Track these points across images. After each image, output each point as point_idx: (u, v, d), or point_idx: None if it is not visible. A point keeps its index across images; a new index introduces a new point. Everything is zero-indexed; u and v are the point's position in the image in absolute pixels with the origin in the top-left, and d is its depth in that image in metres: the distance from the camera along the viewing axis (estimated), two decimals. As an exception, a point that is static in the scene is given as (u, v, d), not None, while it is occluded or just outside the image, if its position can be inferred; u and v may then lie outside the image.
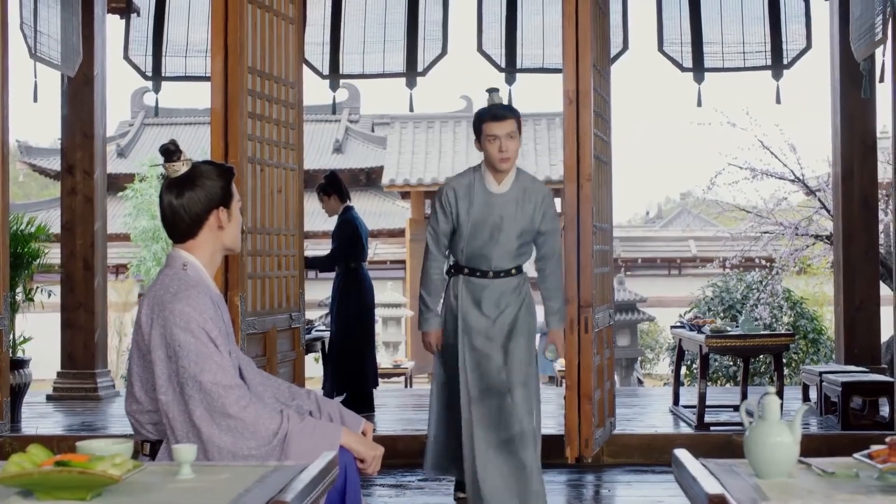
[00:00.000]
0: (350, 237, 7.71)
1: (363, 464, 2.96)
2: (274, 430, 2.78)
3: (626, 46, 8.18)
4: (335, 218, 7.88)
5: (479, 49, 8.25)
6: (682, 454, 2.45)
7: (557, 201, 6.77)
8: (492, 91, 4.86)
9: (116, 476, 2.13)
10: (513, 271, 4.94)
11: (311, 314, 8.14)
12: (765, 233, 11.72)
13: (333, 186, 7.85)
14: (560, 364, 5.19)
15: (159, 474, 2.39)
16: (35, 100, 7.72)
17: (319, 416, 3.12)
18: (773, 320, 11.29)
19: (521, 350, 4.85)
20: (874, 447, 2.29)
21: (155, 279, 2.99)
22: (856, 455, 2.30)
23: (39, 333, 8.60)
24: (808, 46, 8.15)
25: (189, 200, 2.97)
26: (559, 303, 5.06)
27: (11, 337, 7.22)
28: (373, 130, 27.83)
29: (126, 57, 8.61)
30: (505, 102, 5.01)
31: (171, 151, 3.00)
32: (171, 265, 2.97)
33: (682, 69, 8.20)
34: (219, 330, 2.85)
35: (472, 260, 4.91)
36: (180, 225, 3.00)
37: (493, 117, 4.73)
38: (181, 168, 3.00)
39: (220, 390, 2.76)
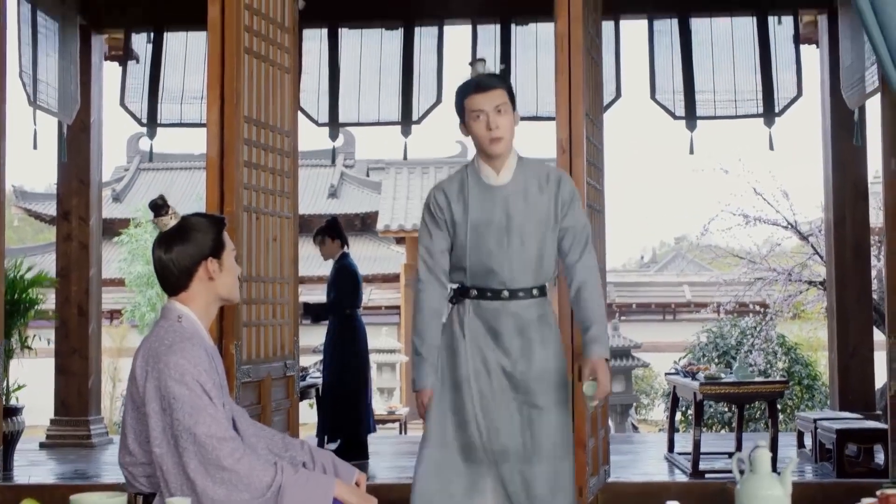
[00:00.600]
0: (351, 284, 7.76)
1: None
2: (268, 482, 2.78)
3: (618, 94, 8.26)
4: (329, 263, 7.93)
5: (474, 97, 8.31)
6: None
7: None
8: (476, 62, 3.96)
9: (110, 531, 2.13)
10: (534, 291, 3.85)
11: (305, 360, 8.16)
12: (758, 279, 11.76)
13: (335, 231, 7.92)
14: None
15: (153, 528, 2.39)
16: (35, 147, 7.79)
17: (313, 467, 3.13)
18: (768, 366, 11.30)
19: (554, 418, 3.84)
20: (865, 500, 2.30)
21: (150, 331, 3.01)
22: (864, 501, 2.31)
23: (33, 379, 8.57)
24: (799, 94, 8.25)
25: (177, 254, 3.01)
26: (601, 327, 3.81)
27: (5, 384, 7.21)
28: (368, 175, 27.95)
29: (122, 104, 8.68)
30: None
31: (159, 206, 3.04)
32: (166, 317, 2.99)
33: (675, 117, 8.29)
34: (213, 382, 2.86)
35: (480, 277, 3.84)
36: (170, 279, 3.04)
37: (476, 87, 3.79)
38: (170, 222, 3.04)
39: (215, 443, 2.77)
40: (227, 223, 3.19)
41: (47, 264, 9.97)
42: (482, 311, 3.84)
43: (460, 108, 3.87)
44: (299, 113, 8.07)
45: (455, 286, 3.94)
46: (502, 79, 3.94)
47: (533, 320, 3.84)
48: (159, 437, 2.82)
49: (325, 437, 7.75)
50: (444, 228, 3.87)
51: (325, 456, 3.19)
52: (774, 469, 4.09)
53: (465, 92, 3.83)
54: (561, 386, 3.90)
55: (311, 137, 11.83)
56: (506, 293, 3.82)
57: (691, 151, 8.40)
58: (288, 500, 2.77)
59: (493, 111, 3.77)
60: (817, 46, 8.57)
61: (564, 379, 3.94)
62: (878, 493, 2.30)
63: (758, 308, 11.88)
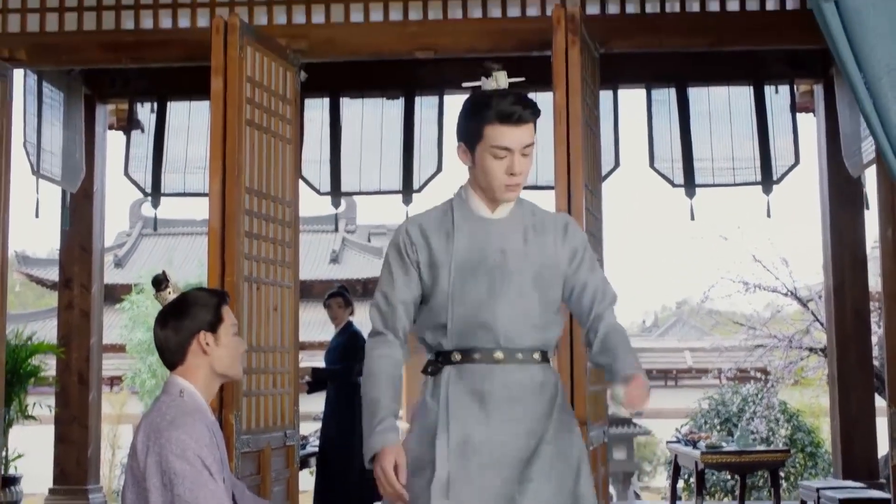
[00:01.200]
0: (363, 352, 7.82)
1: None
2: None
3: (617, 164, 8.32)
4: (330, 328, 8.00)
5: (475, 166, 8.39)
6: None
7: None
8: (493, 69, 2.97)
9: None
10: (536, 355, 3.00)
11: (305, 428, 8.13)
12: (759, 346, 11.75)
13: (348, 298, 8.13)
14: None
15: None
16: (37, 216, 7.85)
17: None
18: (770, 433, 11.24)
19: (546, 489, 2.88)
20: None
21: (151, 406, 3.02)
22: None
23: (34, 446, 8.55)
24: (797, 162, 8.31)
25: (172, 328, 3.07)
26: (633, 357, 3.02)
27: (4, 453, 7.19)
28: (369, 241, 28.03)
29: (126, 174, 8.75)
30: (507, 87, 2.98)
31: (159, 281, 3.09)
32: (167, 392, 3.01)
33: (674, 185, 8.33)
34: (214, 458, 2.87)
35: (465, 336, 2.97)
36: (167, 353, 3.09)
37: (505, 117, 2.88)
38: (169, 297, 3.08)
39: None
40: (229, 296, 3.21)
41: (49, 330, 9.99)
42: (466, 375, 2.95)
43: (475, 132, 2.95)
44: (301, 181, 8.18)
45: (430, 355, 3.07)
46: (536, 108, 2.97)
47: (533, 387, 2.96)
48: None
49: None
50: (412, 273, 3.01)
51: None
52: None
53: (486, 117, 2.91)
54: (569, 473, 2.96)
55: (314, 203, 11.93)
56: (499, 353, 2.95)
57: (692, 218, 8.44)
58: None
59: (520, 152, 2.92)
60: (814, 115, 8.66)
61: (585, 458, 3.03)
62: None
63: (759, 375, 11.86)
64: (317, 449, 8.07)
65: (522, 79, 3.00)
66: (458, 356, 2.96)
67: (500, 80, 2.94)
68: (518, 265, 2.98)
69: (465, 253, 2.98)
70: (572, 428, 3.05)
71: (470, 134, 2.96)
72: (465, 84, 3.04)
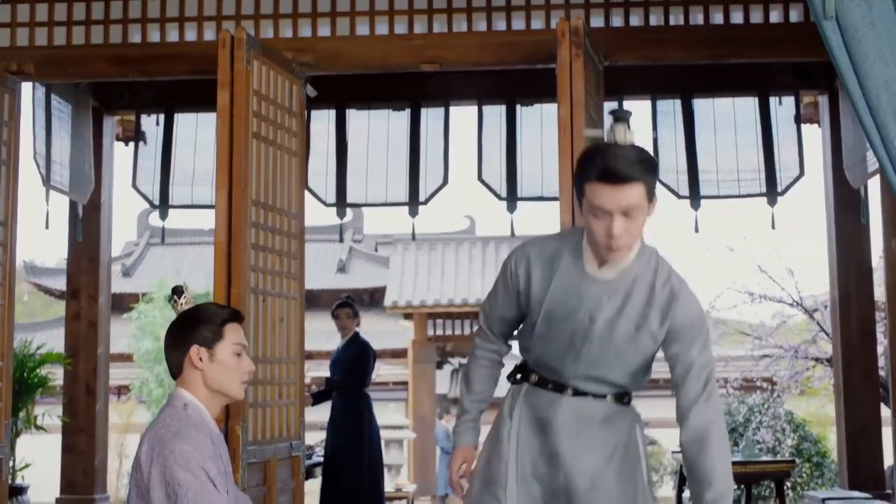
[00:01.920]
0: (372, 362, 7.95)
1: None
2: None
3: (622, 175, 8.33)
4: (336, 338, 8.06)
5: (480, 178, 8.44)
6: None
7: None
8: (618, 119, 2.80)
9: None
10: (609, 397, 3.04)
11: (310, 438, 8.16)
12: (765, 356, 11.75)
13: (356, 309, 8.22)
14: None
15: None
16: (47, 227, 7.90)
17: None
18: (776, 443, 11.23)
19: None
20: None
21: (156, 418, 3.06)
22: None
23: (40, 456, 8.59)
24: (801, 174, 8.32)
25: (173, 340, 3.13)
26: (716, 490, 2.89)
27: (11, 463, 7.23)
28: (376, 250, 28.06)
29: (134, 185, 8.80)
30: (634, 141, 2.82)
31: (177, 292, 3.13)
32: (172, 404, 3.04)
33: (679, 196, 8.35)
34: (217, 470, 2.90)
35: (544, 368, 3.07)
36: (168, 362, 3.16)
37: (604, 175, 2.74)
38: (181, 308, 3.12)
39: None
40: (243, 317, 3.23)
41: (57, 339, 10.02)
42: (534, 399, 3.05)
43: (579, 186, 2.85)
44: (308, 193, 8.22)
45: (520, 361, 3.17)
46: (645, 164, 2.79)
47: (598, 418, 2.99)
48: None
49: None
50: (512, 297, 3.07)
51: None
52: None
53: (587, 173, 2.79)
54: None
55: (320, 213, 11.99)
56: (570, 391, 3.01)
57: (696, 230, 8.46)
58: None
59: (620, 214, 2.77)
60: (819, 126, 8.67)
61: (641, 487, 3.04)
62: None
63: (765, 385, 11.85)
64: (322, 458, 8.09)
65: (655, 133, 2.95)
66: (535, 377, 3.07)
67: (618, 133, 2.77)
68: (603, 335, 2.93)
69: (556, 305, 2.95)
70: (640, 461, 3.07)
71: (578, 188, 2.87)
72: (586, 133, 3.07)
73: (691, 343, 2.92)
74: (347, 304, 8.22)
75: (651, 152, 8.01)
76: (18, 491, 7.34)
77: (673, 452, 8.36)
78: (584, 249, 2.95)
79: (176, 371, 3.12)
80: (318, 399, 8.15)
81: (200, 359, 3.06)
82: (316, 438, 11.48)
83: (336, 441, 7.84)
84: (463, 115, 8.93)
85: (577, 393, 3.01)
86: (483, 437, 3.22)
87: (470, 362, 3.21)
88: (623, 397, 3.05)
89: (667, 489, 19.25)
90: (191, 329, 3.09)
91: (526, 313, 3.05)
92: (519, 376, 3.13)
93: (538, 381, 3.05)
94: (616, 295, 2.91)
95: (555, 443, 2.97)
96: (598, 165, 2.75)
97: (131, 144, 8.99)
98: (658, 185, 8.28)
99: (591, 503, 2.91)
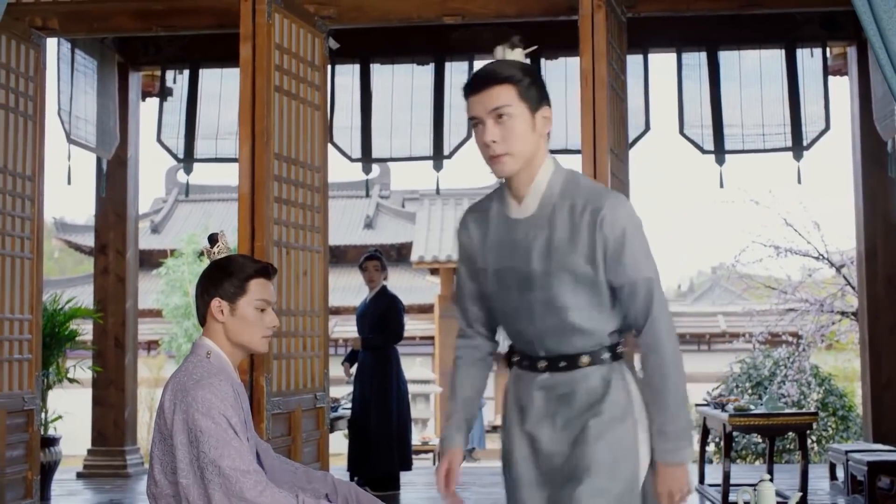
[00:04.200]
0: (403, 313, 7.94)
1: None
2: None
3: (647, 127, 8.31)
4: (361, 294, 8.06)
5: (505, 130, 8.41)
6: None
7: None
8: (508, 43, 2.77)
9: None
10: (583, 359, 2.75)
11: (337, 392, 8.22)
12: (790, 310, 11.72)
13: (384, 262, 8.17)
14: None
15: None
16: (69, 182, 7.95)
17: (336, 499, 3.20)
18: (802, 397, 11.23)
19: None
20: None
21: (180, 366, 3.11)
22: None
23: (72, 409, 8.73)
24: (827, 128, 8.24)
25: (200, 289, 3.16)
26: (669, 417, 2.70)
27: (43, 415, 7.35)
28: (403, 206, 28.10)
29: (159, 140, 8.84)
30: (519, 58, 2.76)
31: (212, 240, 3.16)
32: (195, 353, 3.09)
33: (703, 151, 8.31)
34: (238, 417, 2.95)
35: (516, 340, 2.88)
36: (196, 310, 3.20)
37: (468, 87, 2.72)
38: (215, 257, 3.15)
39: (239, 475, 2.85)
40: (273, 272, 3.19)
41: (87, 295, 10.15)
42: (517, 385, 2.87)
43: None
44: (333, 148, 8.24)
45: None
46: (510, 69, 2.70)
47: (585, 396, 2.73)
48: (186, 469, 2.90)
49: (358, 472, 7.78)
50: (472, 269, 2.89)
51: (349, 487, 3.26)
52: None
53: (464, 93, 2.75)
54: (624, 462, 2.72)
55: (347, 169, 12.02)
56: (542, 363, 2.78)
57: (721, 185, 8.41)
58: None
59: (490, 117, 2.68)
60: (847, 78, 8.57)
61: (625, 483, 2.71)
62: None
63: (791, 339, 11.83)
64: (349, 412, 8.15)
65: (535, 47, 2.85)
66: (516, 357, 2.88)
67: (497, 53, 2.74)
68: (541, 275, 2.70)
69: (497, 260, 2.79)
70: (619, 424, 2.72)
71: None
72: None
73: (625, 257, 2.67)
74: (376, 257, 8.16)
75: (676, 105, 7.92)
76: (51, 442, 7.46)
77: (696, 405, 8.37)
78: (505, 193, 2.81)
79: (201, 320, 3.16)
80: (353, 359, 8.17)
81: (222, 312, 3.09)
82: (340, 393, 11.57)
83: (365, 395, 7.87)
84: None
85: (551, 363, 2.76)
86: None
87: (453, 365, 3.00)
88: (598, 355, 2.75)
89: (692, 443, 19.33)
90: (216, 281, 3.11)
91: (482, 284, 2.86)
92: (512, 360, 2.91)
93: (518, 361, 2.85)
94: (541, 228, 2.72)
95: (533, 430, 2.77)
96: (466, 83, 2.73)
97: (156, 100, 9.03)
98: (682, 139, 8.08)
99: (580, 480, 2.66)
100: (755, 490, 2.29)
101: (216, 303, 3.09)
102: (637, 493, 2.71)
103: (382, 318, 7.96)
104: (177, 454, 2.91)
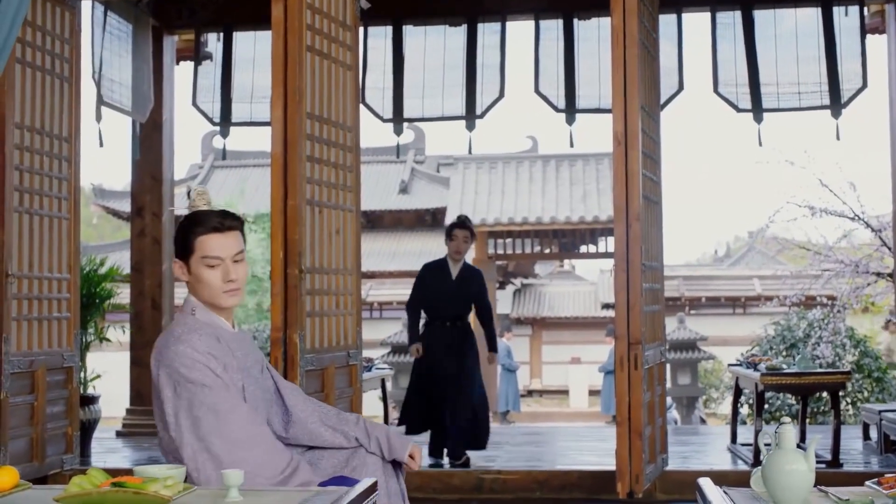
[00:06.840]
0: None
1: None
2: (281, 449, 2.95)
3: (681, 87, 8.28)
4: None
5: (537, 90, 8.43)
6: (705, 483, 2.54)
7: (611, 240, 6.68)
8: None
9: (167, 496, 2.29)
10: None
11: (372, 353, 8.29)
12: (825, 270, 11.65)
13: (474, 230, 7.42)
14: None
15: (208, 497, 2.53)
16: (101, 145, 8.05)
17: (368, 442, 3.24)
18: (836, 359, 11.19)
19: None
20: (888, 475, 2.37)
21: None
22: (868, 483, 2.38)
23: (111, 371, 8.88)
24: (865, 86, 8.17)
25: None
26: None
27: (82, 374, 7.48)
28: (438, 171, 28.08)
29: (195, 104, 8.91)
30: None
31: (186, 193, 3.16)
32: (182, 309, 3.09)
33: (738, 110, 8.27)
34: (225, 365, 2.97)
35: None
36: None
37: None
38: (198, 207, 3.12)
39: (228, 415, 2.90)
40: (220, 227, 3.04)
41: (125, 260, 10.29)
42: None
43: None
44: (366, 110, 8.27)
45: None
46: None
47: None
48: (173, 422, 2.92)
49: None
50: None
51: (380, 430, 3.28)
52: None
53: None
54: None
55: (381, 134, 12.07)
56: None
57: (759, 144, 8.38)
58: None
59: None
60: (886, 35, 8.47)
61: None
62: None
63: (826, 301, 11.77)
64: (381, 372, 8.17)
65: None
66: None
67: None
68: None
69: None
70: None
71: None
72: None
73: None
74: (465, 226, 7.29)
75: (710, 65, 7.84)
76: (90, 400, 7.59)
77: (729, 365, 8.37)
78: None
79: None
80: (417, 339, 7.27)
81: (182, 271, 3.07)
82: (376, 355, 11.64)
83: (450, 371, 7.05)
84: (519, 29, 8.89)
85: None
86: None
87: None
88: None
89: (726, 405, 19.30)
90: (175, 241, 3.10)
91: None
92: None
93: None
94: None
95: None
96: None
97: (191, 63, 9.09)
98: (716, 99, 8.02)
99: None
100: (776, 432, 2.35)
101: (176, 265, 3.08)
102: None
103: (481, 295, 7.34)
104: (165, 408, 2.94)
